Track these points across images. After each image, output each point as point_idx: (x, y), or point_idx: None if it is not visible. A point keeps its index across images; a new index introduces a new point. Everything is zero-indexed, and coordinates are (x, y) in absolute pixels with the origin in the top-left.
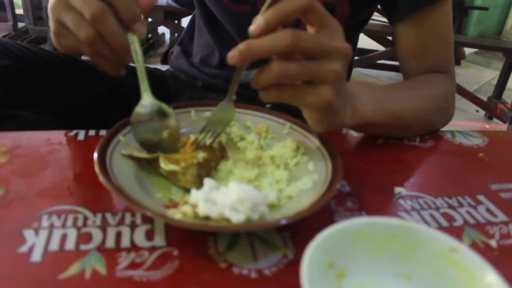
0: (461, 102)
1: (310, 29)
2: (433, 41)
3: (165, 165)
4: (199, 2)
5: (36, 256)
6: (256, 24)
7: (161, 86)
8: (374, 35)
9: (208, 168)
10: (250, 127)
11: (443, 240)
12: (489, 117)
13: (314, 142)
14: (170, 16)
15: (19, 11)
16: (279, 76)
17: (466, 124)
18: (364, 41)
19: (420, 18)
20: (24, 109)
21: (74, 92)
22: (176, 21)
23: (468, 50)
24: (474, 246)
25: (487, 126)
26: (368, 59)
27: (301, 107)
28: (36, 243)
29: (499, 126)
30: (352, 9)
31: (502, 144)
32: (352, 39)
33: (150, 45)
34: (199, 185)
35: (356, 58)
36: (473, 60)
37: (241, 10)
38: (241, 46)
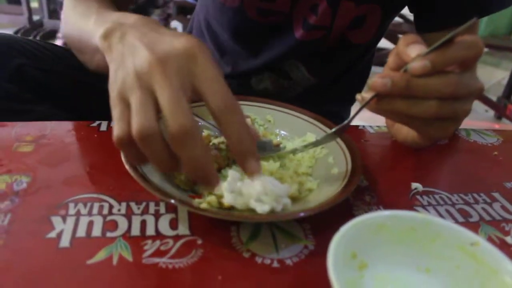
0: None
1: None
2: None
3: None
4: (204, 11)
5: (65, 242)
6: (422, 65)
7: None
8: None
9: None
10: (270, 121)
11: (463, 234)
12: (498, 117)
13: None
14: (183, 11)
15: (34, 4)
16: (434, 115)
17: (475, 123)
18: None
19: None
20: (39, 104)
21: (87, 88)
22: (188, 16)
23: None
24: (490, 241)
25: (496, 126)
26: (379, 57)
27: (419, 132)
28: (64, 229)
29: (508, 126)
30: (382, 18)
31: None
32: (373, 46)
33: None
34: (192, 186)
35: None
36: (482, 60)
37: (267, 21)
38: (398, 78)
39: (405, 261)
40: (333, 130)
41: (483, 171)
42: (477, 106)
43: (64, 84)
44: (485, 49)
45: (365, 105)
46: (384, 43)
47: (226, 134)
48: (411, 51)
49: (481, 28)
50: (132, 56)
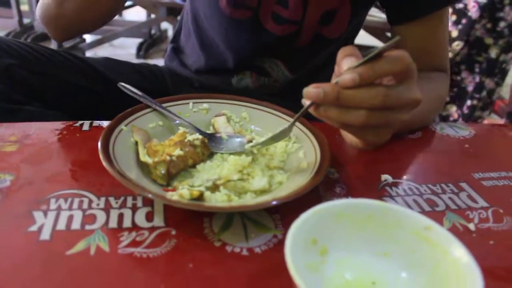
0: None
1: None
2: (434, 42)
3: (141, 155)
4: (192, 10)
5: (45, 235)
6: (351, 78)
7: (160, 84)
8: (373, 31)
9: (182, 166)
10: (245, 118)
11: (418, 219)
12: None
13: (305, 132)
14: (172, 13)
15: (25, 7)
16: (364, 124)
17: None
18: (364, 38)
19: (423, 22)
20: (28, 104)
21: (75, 88)
22: (178, 17)
23: None
24: (453, 228)
25: (485, 122)
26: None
27: (356, 137)
28: (45, 223)
29: (496, 121)
30: (352, 11)
31: (487, 136)
32: (350, 40)
33: (153, 40)
34: (167, 181)
35: None
36: None
37: (239, 16)
38: (329, 89)
39: (364, 246)
40: (277, 132)
41: (453, 163)
42: None
43: (52, 85)
44: None
45: (303, 111)
46: (372, 40)
47: None
48: (344, 64)
49: None
50: None
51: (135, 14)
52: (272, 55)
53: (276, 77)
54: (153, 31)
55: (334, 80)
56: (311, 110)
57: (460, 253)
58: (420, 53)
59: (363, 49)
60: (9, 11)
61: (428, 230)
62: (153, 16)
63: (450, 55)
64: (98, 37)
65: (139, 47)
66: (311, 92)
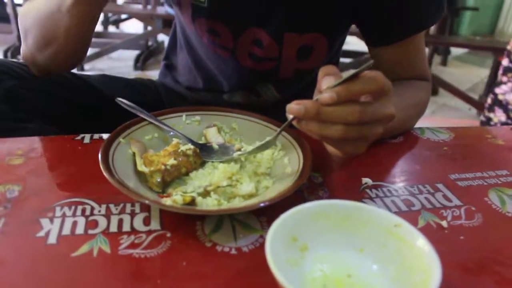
0: (454, 101)
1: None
2: (413, 56)
3: (138, 165)
4: (180, 24)
5: (52, 239)
6: (330, 96)
7: (155, 98)
8: None
9: (176, 174)
10: (235, 128)
11: (388, 217)
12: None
13: (289, 140)
14: (168, 25)
15: None
16: (341, 137)
17: (459, 121)
18: (358, 44)
19: (401, 43)
20: (30, 122)
21: (75, 105)
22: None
23: (462, 50)
24: (427, 226)
25: (479, 123)
26: (362, 62)
27: (335, 148)
28: (51, 229)
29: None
30: (328, 43)
31: (465, 138)
32: (333, 60)
33: (150, 52)
34: (163, 188)
35: (350, 60)
36: (467, 59)
37: (221, 53)
38: (310, 105)
39: (342, 243)
40: (263, 142)
41: (431, 165)
42: (461, 104)
43: (53, 102)
44: (466, 50)
45: (287, 124)
46: (364, 47)
47: None
48: (323, 83)
49: (464, 27)
50: None
51: (132, 27)
52: (262, 81)
53: (265, 97)
54: (150, 43)
55: (315, 95)
56: (294, 123)
57: (423, 246)
58: (400, 66)
59: (358, 55)
60: (8, 26)
61: (398, 227)
62: (149, 28)
63: None
64: (96, 50)
65: (137, 59)
66: (293, 108)
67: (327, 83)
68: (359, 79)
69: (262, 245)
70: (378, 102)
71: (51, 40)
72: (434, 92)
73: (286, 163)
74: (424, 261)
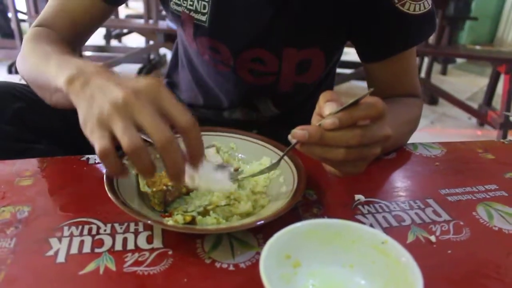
0: (453, 111)
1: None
2: (405, 72)
3: (141, 186)
4: (182, 43)
5: (61, 258)
6: (332, 122)
7: None
8: None
9: (176, 194)
10: (233, 148)
11: (376, 235)
12: (481, 124)
13: (284, 159)
14: (170, 38)
15: None
16: (343, 159)
17: (458, 131)
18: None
19: (394, 59)
20: (37, 142)
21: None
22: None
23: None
24: (416, 240)
25: (479, 133)
26: (359, 73)
27: (335, 169)
28: (60, 248)
29: (490, 132)
30: (326, 57)
31: (457, 153)
32: (330, 73)
33: (153, 65)
34: (164, 207)
35: (351, 71)
36: (466, 68)
37: (221, 69)
38: (313, 131)
39: (332, 259)
40: (266, 167)
41: (422, 181)
42: (460, 114)
43: (58, 123)
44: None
45: (290, 148)
46: None
47: (188, 143)
48: (326, 109)
49: (463, 37)
50: (103, 94)
51: (134, 41)
52: (261, 95)
53: (264, 113)
54: (152, 56)
55: (315, 118)
56: (297, 147)
57: (407, 261)
58: (392, 83)
59: (358, 66)
60: (12, 42)
61: (385, 244)
62: (151, 42)
63: None
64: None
65: (139, 72)
66: (298, 133)
67: (329, 109)
68: (359, 106)
69: (258, 261)
70: (376, 125)
71: (44, 97)
72: (434, 102)
73: (281, 181)
74: (409, 276)
